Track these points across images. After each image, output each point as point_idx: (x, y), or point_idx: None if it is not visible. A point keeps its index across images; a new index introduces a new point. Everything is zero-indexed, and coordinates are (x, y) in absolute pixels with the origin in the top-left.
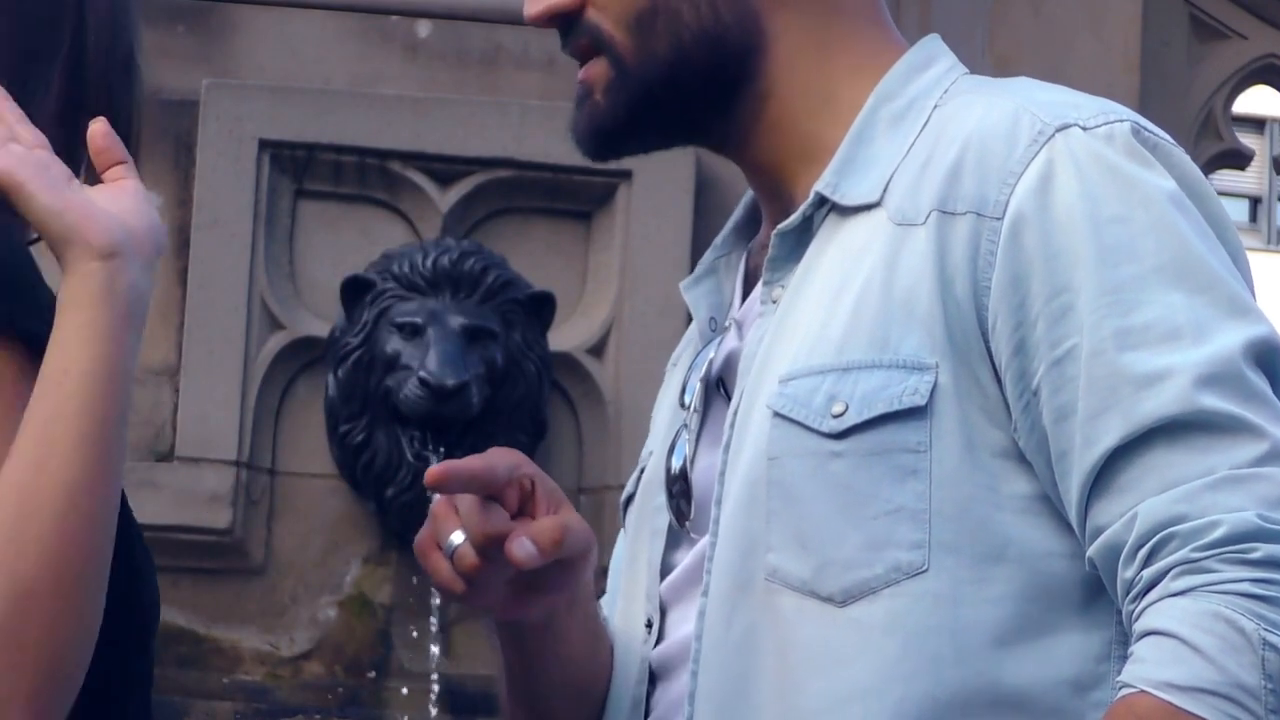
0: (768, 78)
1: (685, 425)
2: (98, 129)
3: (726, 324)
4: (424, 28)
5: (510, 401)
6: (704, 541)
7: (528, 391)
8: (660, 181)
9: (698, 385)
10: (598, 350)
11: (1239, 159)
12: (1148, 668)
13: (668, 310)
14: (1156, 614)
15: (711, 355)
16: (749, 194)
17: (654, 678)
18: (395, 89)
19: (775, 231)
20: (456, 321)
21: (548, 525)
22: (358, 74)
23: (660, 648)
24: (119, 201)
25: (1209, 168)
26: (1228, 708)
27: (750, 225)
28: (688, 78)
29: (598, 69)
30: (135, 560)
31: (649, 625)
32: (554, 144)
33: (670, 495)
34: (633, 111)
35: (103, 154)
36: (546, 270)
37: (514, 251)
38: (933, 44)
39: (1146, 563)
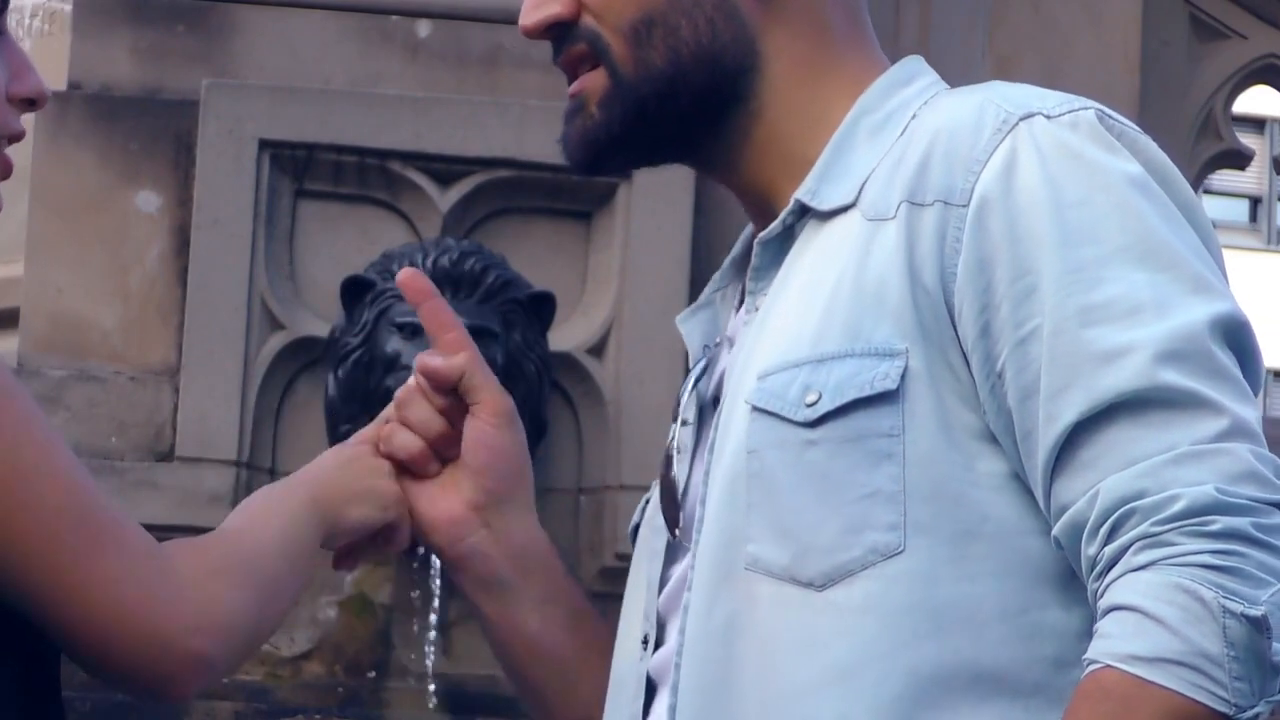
0: (759, 98)
1: (674, 439)
2: None
3: (718, 341)
4: (424, 28)
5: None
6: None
7: (528, 391)
8: (660, 181)
9: (692, 399)
10: (598, 350)
11: (1239, 159)
12: (1112, 642)
13: (668, 310)
14: (1119, 589)
15: (700, 372)
16: (748, 227)
17: (653, 688)
18: (395, 89)
19: (757, 240)
20: None
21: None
22: (358, 74)
23: (656, 656)
24: None
25: (1209, 168)
26: (1193, 676)
27: (747, 258)
28: (683, 93)
29: (594, 80)
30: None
31: (645, 642)
32: (554, 144)
33: (664, 507)
34: (626, 124)
35: None
36: (546, 270)
37: (514, 251)
38: (915, 63)
39: (1108, 539)
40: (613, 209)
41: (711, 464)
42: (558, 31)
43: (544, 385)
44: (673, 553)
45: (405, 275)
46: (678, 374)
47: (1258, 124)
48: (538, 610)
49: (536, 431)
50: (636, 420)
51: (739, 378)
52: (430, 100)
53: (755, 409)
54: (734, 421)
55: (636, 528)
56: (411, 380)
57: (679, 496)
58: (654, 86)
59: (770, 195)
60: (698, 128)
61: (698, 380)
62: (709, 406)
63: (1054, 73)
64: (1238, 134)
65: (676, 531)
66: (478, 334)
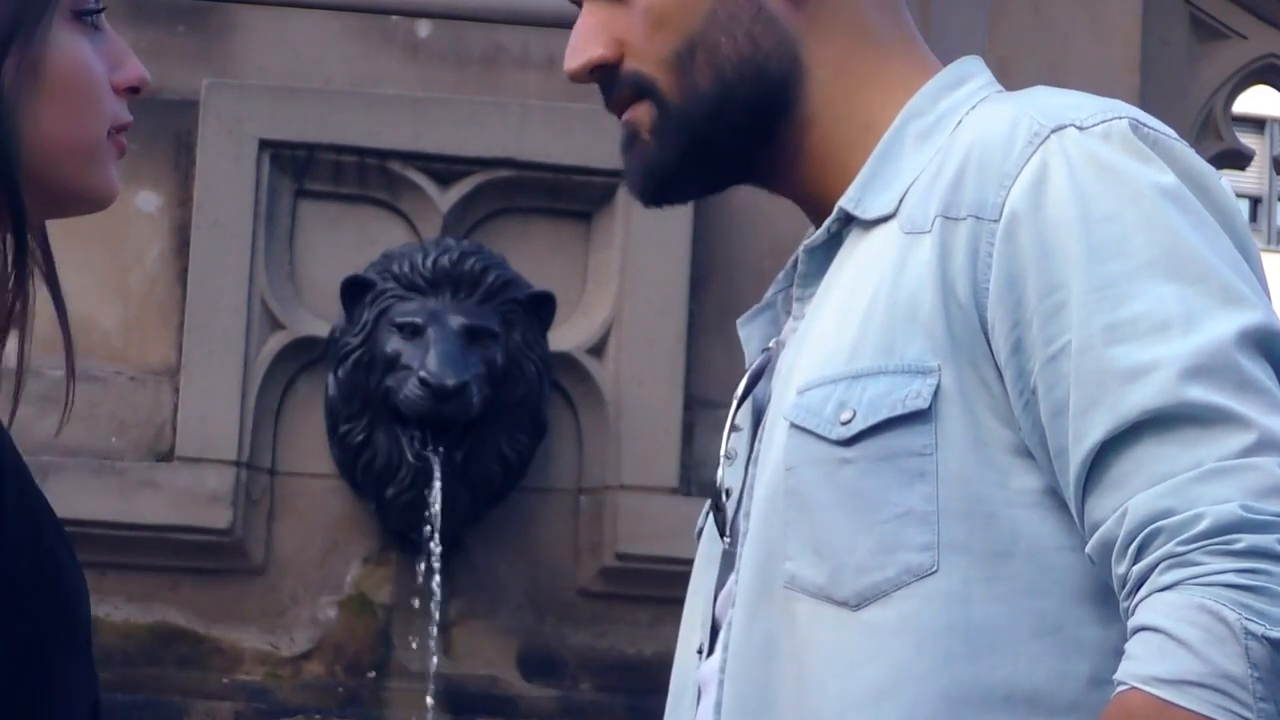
0: (807, 106)
1: (726, 443)
2: None
3: (769, 346)
4: (424, 28)
5: (510, 401)
6: None
7: (528, 391)
8: None
9: (748, 404)
10: (598, 350)
11: (1239, 159)
12: (1137, 664)
13: (668, 310)
14: (1145, 609)
15: (757, 374)
16: (811, 228)
17: (700, 697)
18: (395, 89)
19: (803, 248)
20: (456, 321)
21: None
22: (358, 74)
23: (703, 665)
24: None
25: None
26: (1216, 699)
27: None
28: (733, 110)
29: (641, 110)
30: (56, 559)
31: (700, 651)
32: (554, 144)
33: (717, 513)
34: (683, 152)
35: None
36: (546, 270)
37: (514, 251)
38: (969, 64)
39: (1136, 558)
40: (613, 209)
41: (755, 477)
42: (602, 74)
43: (544, 385)
44: (729, 560)
45: None
46: (678, 374)
47: (1258, 124)
48: None
49: (536, 431)
50: (636, 420)
51: (781, 389)
52: (430, 100)
53: (793, 425)
54: (775, 435)
55: (701, 531)
56: None
57: (729, 503)
58: (703, 109)
59: (825, 203)
60: (752, 143)
61: (755, 383)
62: (765, 411)
63: (1054, 73)
64: (1238, 134)
65: (726, 539)
66: (477, 334)
